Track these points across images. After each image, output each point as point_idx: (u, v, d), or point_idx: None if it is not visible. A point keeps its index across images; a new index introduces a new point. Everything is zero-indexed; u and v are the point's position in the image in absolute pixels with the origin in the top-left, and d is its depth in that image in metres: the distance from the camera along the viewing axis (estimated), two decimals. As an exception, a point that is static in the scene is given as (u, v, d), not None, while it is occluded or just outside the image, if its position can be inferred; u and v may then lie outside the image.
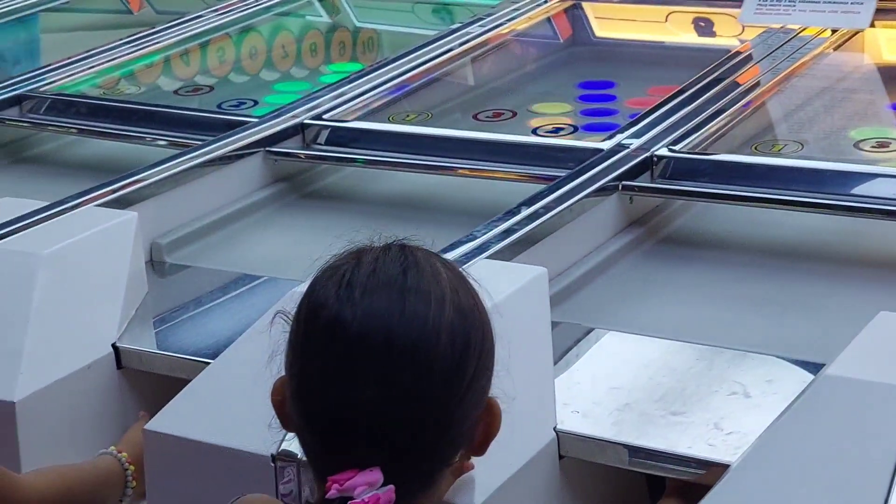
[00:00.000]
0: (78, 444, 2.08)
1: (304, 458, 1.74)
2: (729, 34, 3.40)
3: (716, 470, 1.74)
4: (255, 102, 3.15)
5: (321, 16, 3.89)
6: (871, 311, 1.84)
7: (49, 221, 2.32)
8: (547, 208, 2.32)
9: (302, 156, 2.81)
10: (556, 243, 2.30)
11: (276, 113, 2.89)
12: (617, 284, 2.33)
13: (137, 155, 2.87)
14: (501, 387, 1.43)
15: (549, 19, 3.59)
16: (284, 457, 1.78)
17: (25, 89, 3.13)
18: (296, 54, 3.61)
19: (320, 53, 3.62)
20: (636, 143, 2.59)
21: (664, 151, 2.54)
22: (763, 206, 2.44)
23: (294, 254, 2.48)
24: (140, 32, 3.53)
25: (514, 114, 3.02)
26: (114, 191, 2.48)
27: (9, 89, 3.14)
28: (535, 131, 2.91)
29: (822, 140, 2.74)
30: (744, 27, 3.31)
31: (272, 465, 1.78)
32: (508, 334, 1.46)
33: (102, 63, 3.33)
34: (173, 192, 2.58)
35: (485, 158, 2.68)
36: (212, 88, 3.31)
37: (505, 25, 3.47)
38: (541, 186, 2.44)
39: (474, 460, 1.52)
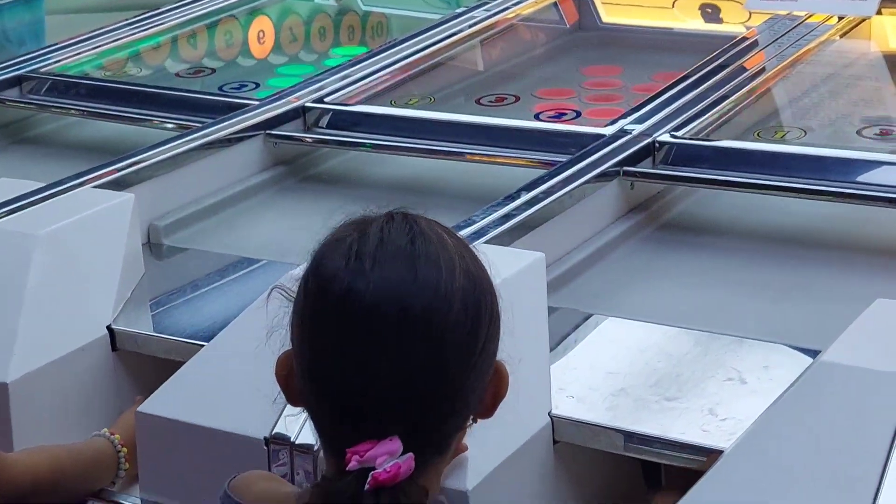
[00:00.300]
0: (72, 426, 2.08)
1: (297, 441, 1.76)
2: (735, 20, 3.39)
3: (710, 456, 1.73)
4: (257, 85, 3.14)
5: (328, -1, 3.88)
6: (872, 298, 1.82)
7: (46, 202, 2.31)
8: (547, 193, 2.31)
9: (302, 139, 2.80)
10: (556, 228, 2.29)
11: (277, 95, 2.88)
12: (616, 270, 2.32)
13: (137, 137, 2.86)
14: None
15: (555, 4, 3.57)
16: (277, 439, 1.77)
17: (26, 70, 3.12)
18: (303, 37, 3.59)
19: (326, 37, 3.61)
20: (638, 128, 2.58)
21: (666, 137, 2.53)
22: (764, 193, 2.43)
23: (292, 238, 2.46)
24: (145, 13, 3.51)
25: (518, 98, 3.01)
26: (112, 172, 2.48)
27: (9, 70, 3.13)
28: (537, 116, 2.90)
29: (825, 127, 2.73)
30: (750, 13, 3.30)
31: (265, 447, 1.77)
32: (505, 319, 1.45)
33: (104, 44, 3.32)
34: (172, 174, 2.57)
35: (486, 143, 2.67)
36: (213, 71, 3.30)
37: (511, 10, 3.45)
38: (542, 171, 2.42)
39: (468, 443, 1.51)
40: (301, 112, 2.82)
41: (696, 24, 3.50)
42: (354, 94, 2.92)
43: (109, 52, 3.31)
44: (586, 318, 2.11)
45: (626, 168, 2.46)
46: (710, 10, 3.49)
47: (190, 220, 2.57)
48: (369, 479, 1.29)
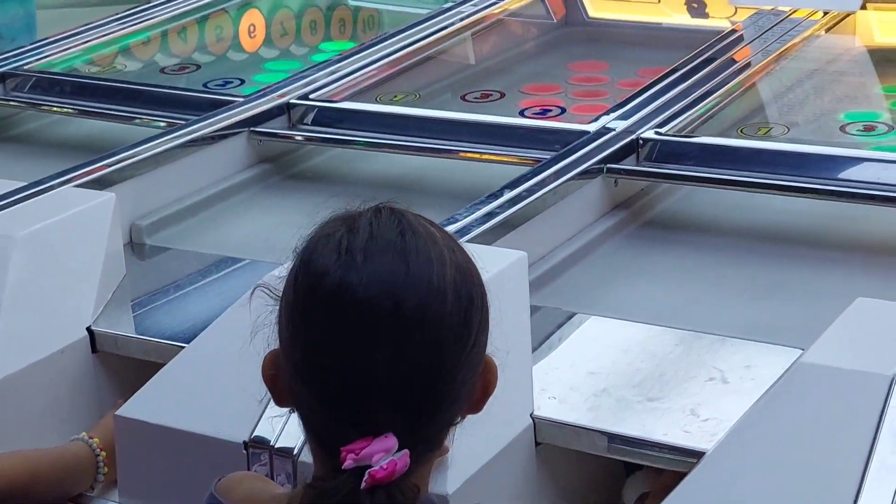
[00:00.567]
0: (51, 429, 2.06)
1: (277, 445, 1.75)
2: (721, 15, 3.38)
3: (691, 457, 1.72)
4: (242, 81, 3.13)
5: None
6: (855, 296, 1.82)
7: (25, 202, 2.30)
8: (530, 191, 2.31)
9: (287, 136, 2.79)
10: (539, 226, 2.29)
11: (261, 92, 2.87)
12: (600, 268, 2.31)
13: (121, 134, 2.84)
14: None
15: (542, -1, 3.57)
16: (257, 443, 1.76)
17: (9, 67, 3.10)
18: (294, 32, 3.57)
19: (317, 32, 3.59)
20: (622, 125, 2.57)
21: (650, 134, 2.52)
22: (748, 190, 2.42)
23: (277, 236, 2.44)
24: (133, 8, 3.49)
25: (503, 94, 3.00)
26: (93, 171, 2.46)
27: (-8, 67, 3.12)
28: (522, 112, 2.90)
29: (809, 123, 2.72)
30: (736, 8, 3.29)
31: (244, 451, 1.76)
32: (491, 315, 1.44)
33: (89, 41, 3.30)
34: (154, 172, 2.55)
35: (471, 140, 2.66)
36: (199, 67, 3.28)
37: (498, 5, 3.44)
38: (526, 168, 2.42)
39: (449, 445, 1.50)
40: (286, 109, 2.81)
41: (683, 19, 3.49)
42: (340, 91, 2.90)
43: (95, 48, 3.29)
44: (569, 318, 2.11)
45: (609, 165, 2.45)
46: (696, 5, 3.49)
47: (173, 218, 2.56)
48: (366, 477, 1.27)
